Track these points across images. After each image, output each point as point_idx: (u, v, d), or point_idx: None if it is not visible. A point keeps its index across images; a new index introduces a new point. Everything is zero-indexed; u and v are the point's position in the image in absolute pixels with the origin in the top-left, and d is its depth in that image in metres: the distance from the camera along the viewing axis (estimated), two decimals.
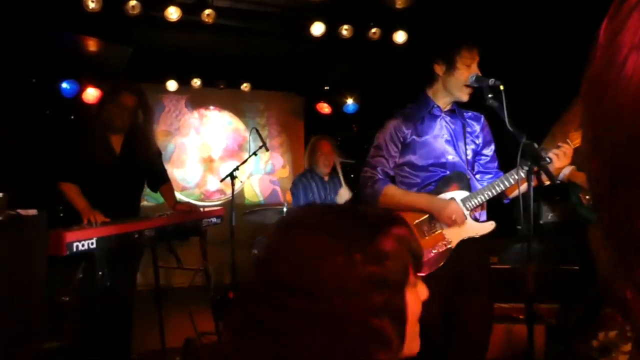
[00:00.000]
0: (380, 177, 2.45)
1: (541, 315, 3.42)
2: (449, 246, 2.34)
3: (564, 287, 3.55)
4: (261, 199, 6.53)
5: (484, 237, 2.38)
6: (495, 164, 2.56)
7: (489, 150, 2.55)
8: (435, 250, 2.35)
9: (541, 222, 4.62)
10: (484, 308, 2.45)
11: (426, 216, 2.39)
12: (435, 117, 2.47)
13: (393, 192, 2.42)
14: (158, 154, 3.55)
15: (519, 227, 3.21)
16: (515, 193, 2.38)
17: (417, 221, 2.38)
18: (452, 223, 2.31)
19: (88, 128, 3.18)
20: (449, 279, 2.31)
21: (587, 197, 2.94)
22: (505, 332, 3.27)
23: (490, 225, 2.38)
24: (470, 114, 2.55)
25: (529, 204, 1.95)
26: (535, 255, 3.64)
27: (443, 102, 2.47)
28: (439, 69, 2.41)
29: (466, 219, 2.35)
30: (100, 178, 3.11)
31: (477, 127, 2.53)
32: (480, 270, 2.43)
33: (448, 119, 2.48)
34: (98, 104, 3.29)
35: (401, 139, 2.45)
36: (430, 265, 2.31)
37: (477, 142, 2.53)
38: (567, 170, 2.96)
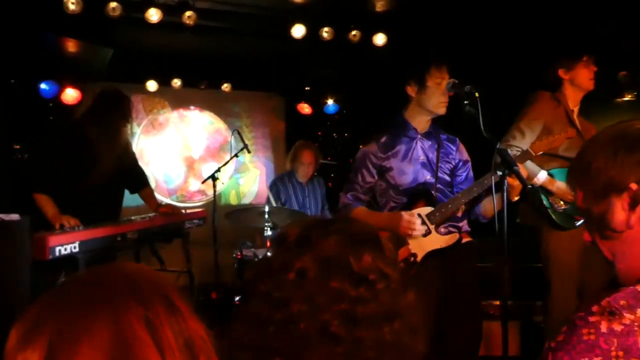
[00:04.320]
0: (350, 201, 2.58)
1: (516, 312, 3.52)
2: (416, 259, 2.43)
3: (541, 284, 3.65)
4: (242, 199, 6.55)
5: (468, 243, 2.47)
6: (469, 185, 2.62)
7: (464, 171, 2.65)
8: (402, 264, 2.42)
9: (518, 220, 4.72)
10: (475, 305, 2.56)
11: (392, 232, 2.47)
12: (412, 139, 2.56)
13: (359, 213, 2.54)
14: (135, 157, 3.56)
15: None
16: (490, 210, 2.45)
17: (384, 238, 2.46)
18: (411, 233, 2.39)
19: (76, 137, 3.13)
20: (441, 279, 2.41)
21: (562, 202, 2.99)
22: (483, 329, 3.36)
23: (453, 237, 2.46)
24: (445, 136, 2.65)
25: (504, 207, 2.02)
26: (513, 253, 3.75)
27: (420, 122, 2.57)
28: (412, 90, 2.52)
29: (430, 232, 2.44)
30: (84, 185, 3.09)
31: (453, 149, 2.64)
32: (469, 270, 2.54)
33: (425, 141, 2.58)
34: (96, 112, 3.20)
35: (377, 165, 2.55)
36: None
37: (453, 162, 2.63)
38: (543, 177, 2.95)
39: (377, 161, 2.54)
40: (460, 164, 2.64)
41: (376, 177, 2.56)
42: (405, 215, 2.38)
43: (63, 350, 0.62)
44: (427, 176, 2.53)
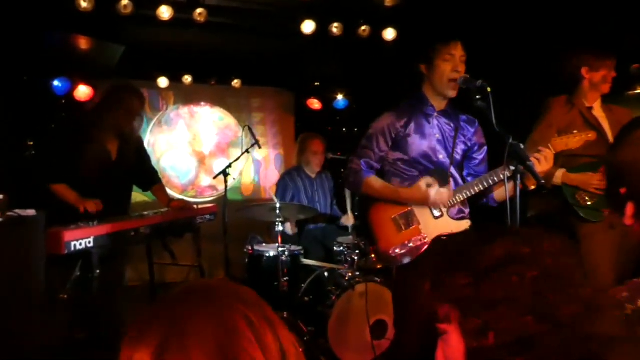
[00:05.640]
0: (363, 168, 2.52)
1: None
2: (425, 241, 2.41)
3: None
4: (252, 194, 6.58)
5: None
6: (484, 168, 2.61)
7: (480, 154, 2.61)
8: (412, 244, 2.42)
9: (528, 215, 4.70)
10: None
11: (404, 211, 2.46)
12: (429, 116, 2.52)
13: (373, 183, 2.50)
14: (147, 155, 3.59)
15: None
16: (502, 195, 2.38)
17: (394, 215, 2.46)
18: (443, 203, 2.41)
19: (85, 131, 3.15)
20: None
21: (586, 197, 2.96)
22: None
23: (465, 224, 2.46)
24: (465, 117, 2.60)
25: (516, 203, 2.01)
26: None
27: (436, 101, 2.52)
28: (424, 69, 2.49)
29: (442, 215, 2.44)
30: (95, 180, 3.12)
31: (472, 130, 2.59)
32: None
33: (442, 119, 2.54)
34: (101, 107, 3.23)
35: (393, 135, 2.50)
36: (409, 256, 2.40)
37: (468, 143, 2.58)
38: (559, 174, 2.95)
39: (394, 131, 2.50)
40: (477, 147, 2.60)
41: (390, 146, 2.52)
42: (433, 189, 2.38)
43: (174, 343, 0.66)
44: (441, 155, 2.50)
